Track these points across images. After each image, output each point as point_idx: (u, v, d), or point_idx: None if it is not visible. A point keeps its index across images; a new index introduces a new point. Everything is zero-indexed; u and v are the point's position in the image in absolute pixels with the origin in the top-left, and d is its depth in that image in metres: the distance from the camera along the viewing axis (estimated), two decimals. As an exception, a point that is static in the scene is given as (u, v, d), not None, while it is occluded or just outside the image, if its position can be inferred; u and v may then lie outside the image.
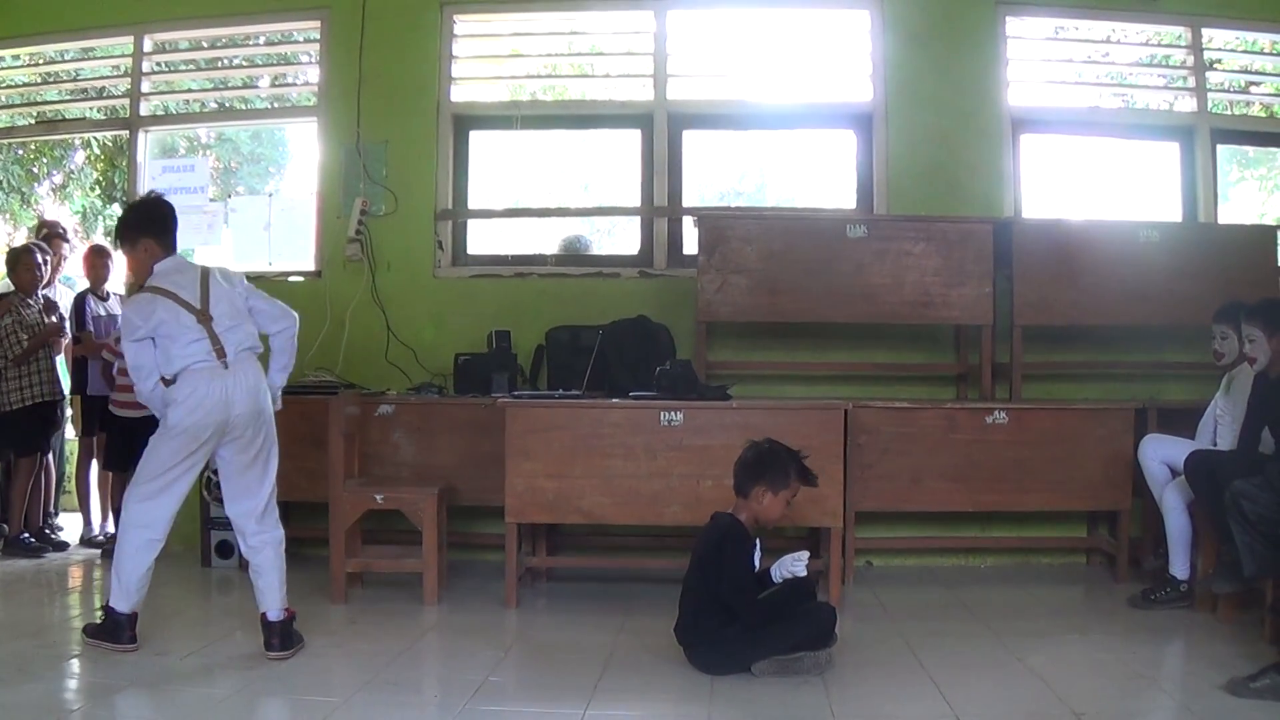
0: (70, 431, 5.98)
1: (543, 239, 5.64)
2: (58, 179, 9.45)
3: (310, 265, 5.54)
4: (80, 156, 9.33)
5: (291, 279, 5.52)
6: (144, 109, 5.77)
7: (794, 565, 3.27)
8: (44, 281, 5.36)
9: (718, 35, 5.59)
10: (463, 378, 4.89)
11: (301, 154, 7.59)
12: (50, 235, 5.70)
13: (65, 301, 5.61)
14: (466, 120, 5.58)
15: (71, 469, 6.02)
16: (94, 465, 5.54)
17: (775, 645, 3.16)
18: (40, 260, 5.28)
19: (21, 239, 8.02)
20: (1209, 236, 5.03)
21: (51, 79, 6.54)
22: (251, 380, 3.35)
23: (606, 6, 5.55)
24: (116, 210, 8.81)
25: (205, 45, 5.93)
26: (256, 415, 3.35)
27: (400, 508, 4.20)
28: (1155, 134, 5.53)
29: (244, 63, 6.14)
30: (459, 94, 5.55)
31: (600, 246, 5.91)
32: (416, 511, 4.15)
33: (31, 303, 5.25)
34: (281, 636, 3.32)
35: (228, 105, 5.99)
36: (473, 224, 5.62)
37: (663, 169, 5.43)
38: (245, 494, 3.40)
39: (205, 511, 4.87)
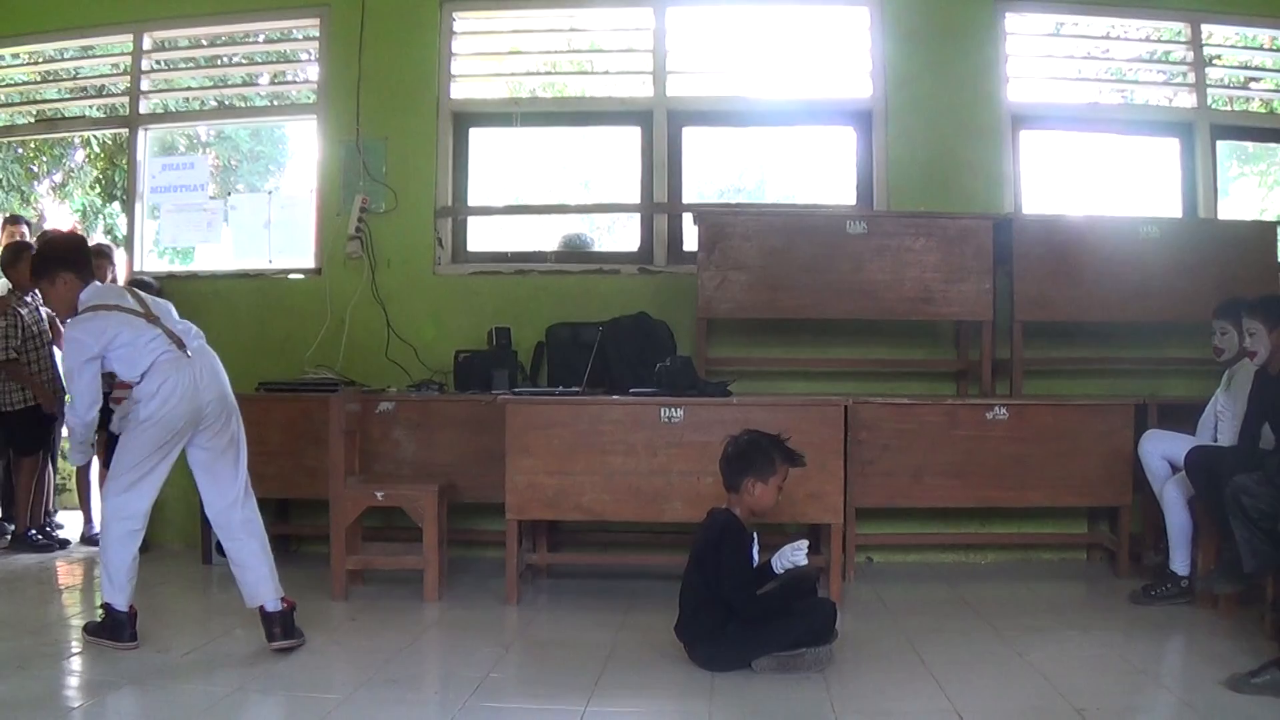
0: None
1: (543, 236, 5.64)
2: (57, 177, 9.43)
3: (310, 263, 5.54)
4: (80, 155, 9.31)
5: (292, 276, 5.53)
6: (143, 107, 5.78)
7: (794, 555, 3.27)
8: None
9: (717, 32, 5.59)
10: (463, 375, 4.89)
11: (301, 151, 7.58)
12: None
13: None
14: (466, 117, 5.58)
15: (71, 468, 6.01)
16: (94, 463, 5.52)
17: (776, 641, 3.16)
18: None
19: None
20: (1209, 232, 5.03)
21: (51, 77, 6.53)
22: (215, 366, 3.46)
23: (606, 3, 5.54)
24: (117, 209, 8.82)
25: (205, 43, 5.94)
26: (224, 400, 3.44)
27: (401, 505, 4.21)
28: (1155, 130, 5.52)
29: (243, 60, 6.15)
30: (459, 91, 5.56)
31: (600, 243, 5.92)
32: (417, 508, 4.15)
33: (29, 300, 5.24)
34: (283, 625, 3.34)
35: (227, 103, 5.98)
36: (473, 221, 5.63)
37: (662, 166, 5.42)
38: (221, 484, 3.46)
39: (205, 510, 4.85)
